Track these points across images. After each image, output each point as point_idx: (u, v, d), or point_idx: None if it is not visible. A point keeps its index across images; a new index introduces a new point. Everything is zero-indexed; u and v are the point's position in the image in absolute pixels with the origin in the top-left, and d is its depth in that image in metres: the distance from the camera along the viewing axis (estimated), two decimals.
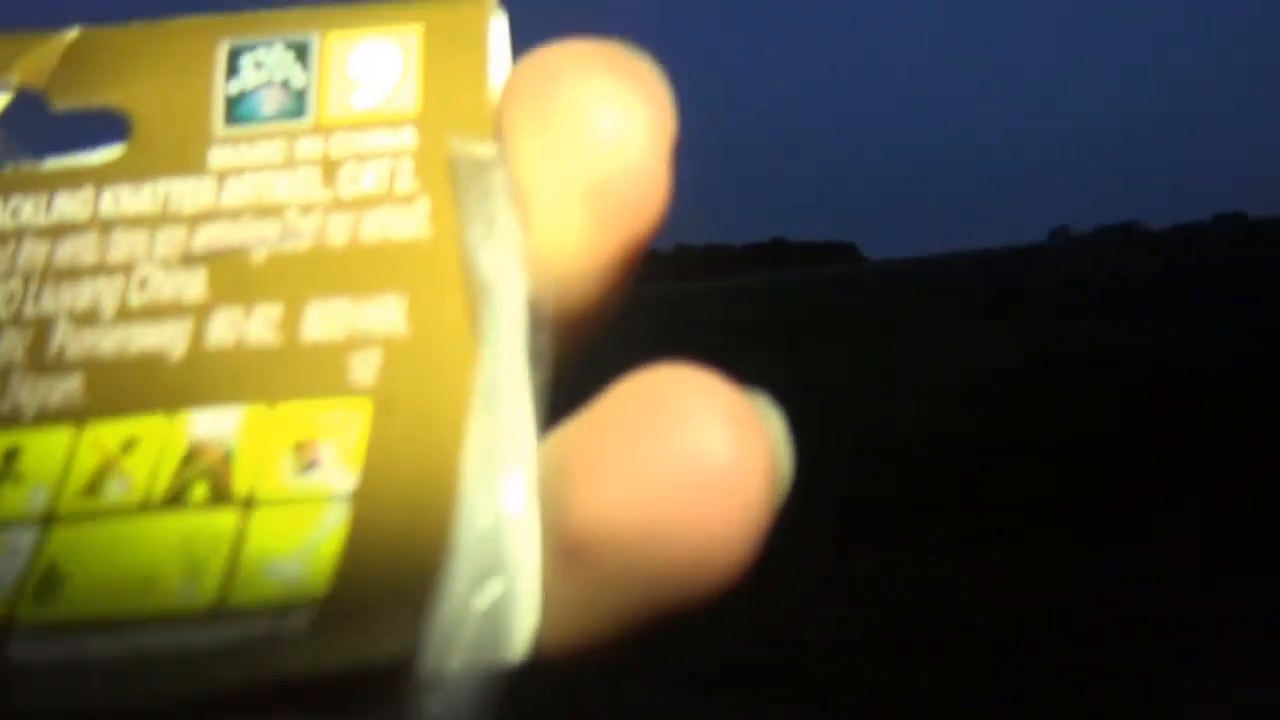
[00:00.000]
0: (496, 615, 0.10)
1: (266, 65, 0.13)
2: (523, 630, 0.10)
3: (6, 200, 0.13)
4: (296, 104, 0.13)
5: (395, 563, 0.10)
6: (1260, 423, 2.93)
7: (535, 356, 0.11)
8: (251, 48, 0.13)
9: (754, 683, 1.66)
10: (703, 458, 0.10)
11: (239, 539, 0.10)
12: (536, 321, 0.11)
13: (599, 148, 0.11)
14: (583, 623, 0.11)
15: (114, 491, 0.11)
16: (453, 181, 0.12)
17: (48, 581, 0.10)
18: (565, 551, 0.10)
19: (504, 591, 0.10)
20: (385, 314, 0.11)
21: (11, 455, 0.11)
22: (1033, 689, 1.61)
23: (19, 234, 0.12)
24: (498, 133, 0.12)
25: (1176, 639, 1.70)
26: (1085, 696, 1.58)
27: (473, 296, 0.11)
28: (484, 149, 0.12)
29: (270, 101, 0.13)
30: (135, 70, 0.13)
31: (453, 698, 0.09)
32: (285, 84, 0.13)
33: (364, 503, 0.10)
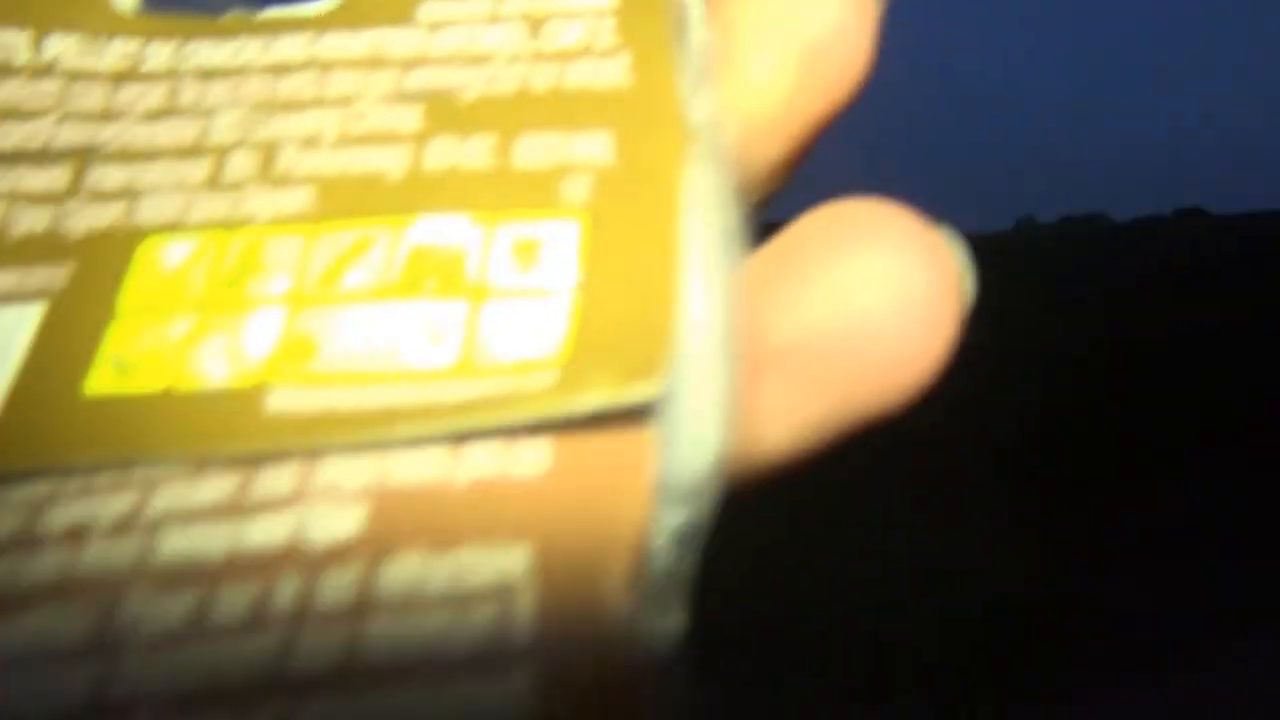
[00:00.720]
0: (707, 377, 0.11)
1: None
2: (726, 390, 0.11)
3: (230, 41, 0.14)
4: None
5: (626, 333, 0.11)
6: (1218, 413, 2.99)
7: (736, 192, 0.12)
8: None
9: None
10: (904, 273, 0.12)
11: (474, 320, 0.12)
12: (737, 165, 0.13)
13: (816, 15, 0.13)
14: (779, 431, 0.12)
15: (352, 279, 0.12)
16: (665, 35, 0.13)
17: (300, 348, 0.12)
18: (768, 359, 0.12)
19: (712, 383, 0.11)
20: (593, 147, 0.13)
21: (253, 249, 0.12)
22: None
23: (242, 70, 0.14)
24: None
25: None
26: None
27: (678, 137, 0.13)
28: (696, 3, 0.13)
29: None
30: None
31: (685, 432, 0.11)
32: None
33: (587, 294, 0.12)
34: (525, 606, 0.09)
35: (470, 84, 0.13)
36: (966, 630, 1.78)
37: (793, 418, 0.12)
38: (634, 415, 0.11)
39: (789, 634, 1.70)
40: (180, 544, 0.10)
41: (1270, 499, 2.32)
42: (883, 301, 0.12)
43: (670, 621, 0.10)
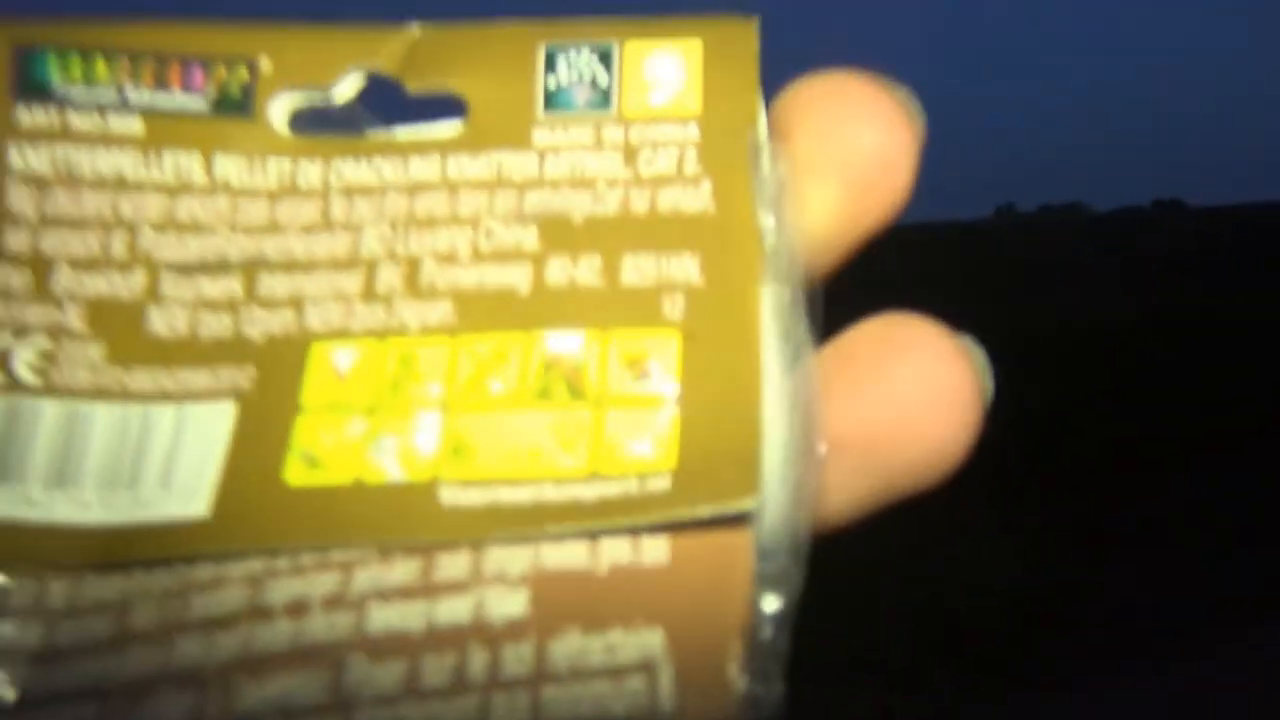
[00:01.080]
0: (791, 476, 0.14)
1: (576, 65, 0.16)
2: (807, 484, 0.14)
3: (370, 161, 0.16)
4: (602, 99, 0.16)
5: (726, 443, 0.14)
6: (1197, 401, 3.05)
7: (805, 297, 0.15)
8: (564, 50, 0.16)
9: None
10: (937, 382, 0.14)
11: (598, 425, 0.14)
12: (804, 274, 0.15)
13: (865, 151, 0.15)
14: (837, 507, 0.15)
15: (494, 388, 0.15)
16: (742, 165, 0.16)
17: (459, 450, 0.14)
18: (831, 449, 0.14)
19: (791, 471, 0.14)
20: (684, 268, 0.15)
21: (408, 357, 0.15)
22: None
23: (383, 189, 0.16)
24: (774, 130, 0.16)
25: None
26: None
27: (755, 258, 0.15)
28: (765, 141, 0.16)
29: (581, 95, 0.16)
30: (471, 63, 0.16)
31: (777, 530, 0.13)
32: (593, 82, 0.16)
33: (689, 403, 0.14)
34: (665, 679, 0.12)
35: (578, 206, 0.16)
36: (965, 618, 1.82)
37: (849, 496, 0.15)
38: (735, 519, 0.13)
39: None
40: (386, 618, 0.13)
41: (1257, 486, 2.38)
42: (921, 406, 0.14)
43: (775, 690, 0.12)
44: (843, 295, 0.16)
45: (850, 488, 0.14)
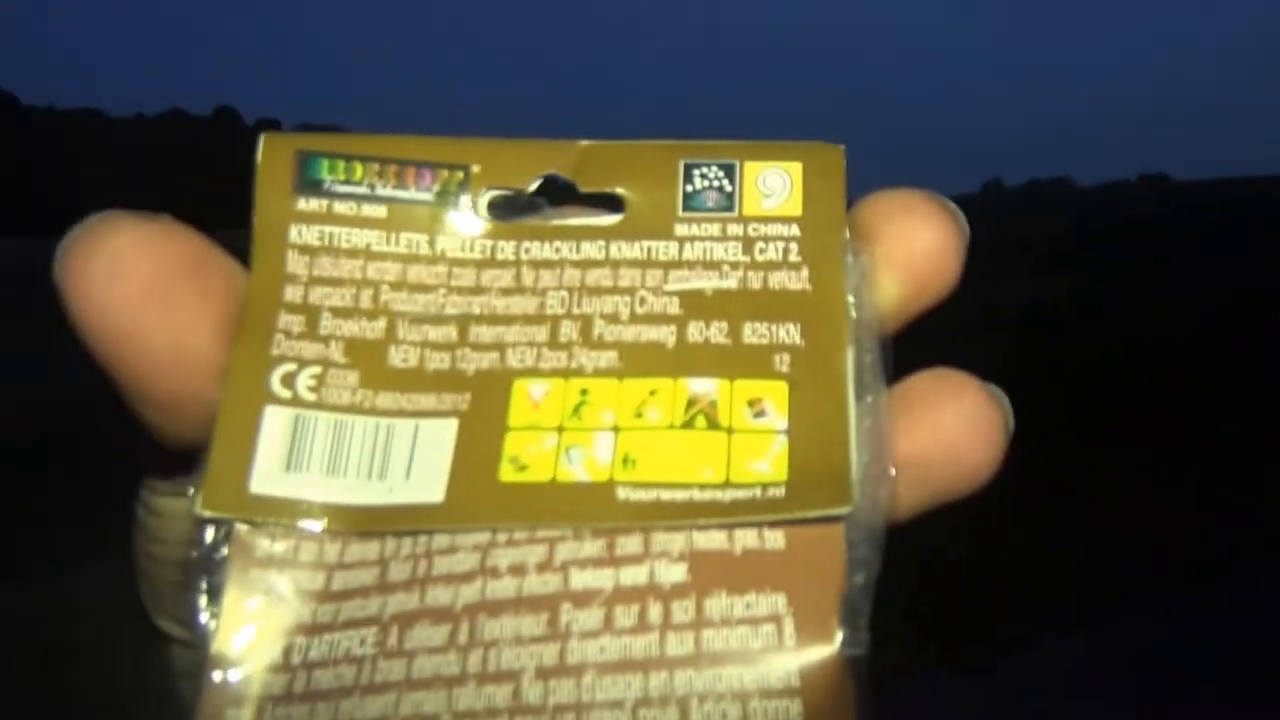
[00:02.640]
0: (870, 489, 0.20)
1: (708, 177, 0.22)
2: (882, 494, 0.20)
3: (551, 242, 0.22)
4: (727, 202, 0.22)
5: (823, 464, 0.19)
6: (1183, 372, 3.12)
7: (879, 355, 0.21)
8: (698, 165, 0.22)
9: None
10: (973, 422, 0.20)
11: (728, 449, 0.20)
12: (881, 341, 0.21)
13: (924, 254, 0.21)
14: (899, 501, 0.20)
15: (651, 417, 0.20)
16: (833, 257, 0.21)
17: (627, 461, 0.20)
18: (897, 468, 0.20)
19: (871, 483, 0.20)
20: (789, 333, 0.21)
21: (585, 391, 0.21)
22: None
23: (561, 264, 0.22)
24: (856, 230, 0.21)
25: None
26: None
27: (842, 328, 0.21)
28: (850, 240, 0.21)
29: (711, 199, 0.22)
30: (628, 171, 0.22)
31: (861, 527, 0.19)
32: (720, 189, 0.22)
33: (795, 435, 0.20)
34: (789, 627, 0.18)
35: (708, 282, 0.21)
36: (928, 580, 1.90)
37: (909, 503, 0.20)
38: (832, 519, 0.19)
39: None
40: (584, 579, 0.19)
41: (1233, 454, 2.45)
42: (963, 439, 0.20)
43: (862, 636, 0.18)
44: None
45: (909, 497, 0.20)
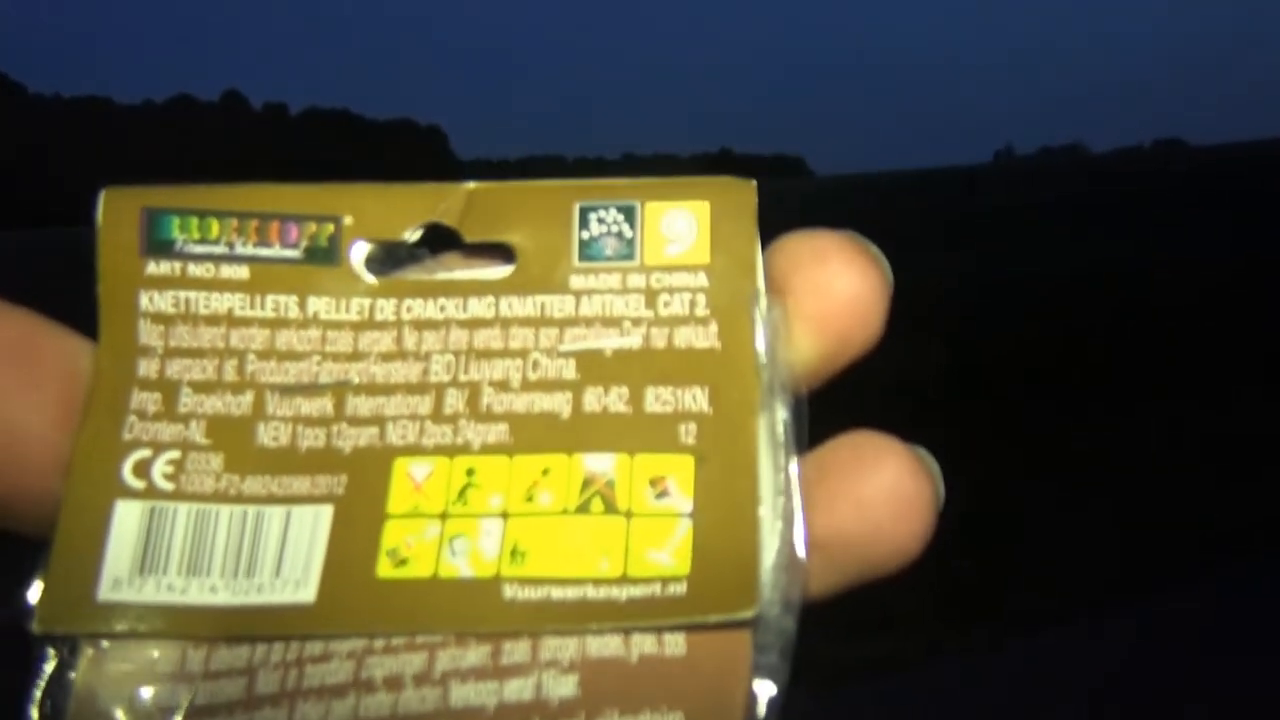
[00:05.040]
0: (781, 584, 0.17)
1: (606, 221, 0.20)
2: (794, 591, 0.18)
3: (435, 300, 0.20)
4: (628, 249, 0.19)
5: (729, 555, 0.17)
6: (1194, 336, 3.09)
7: (795, 417, 0.18)
8: (595, 208, 0.20)
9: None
10: (898, 494, 0.18)
11: (627, 536, 0.18)
12: (796, 402, 0.18)
13: (843, 303, 0.18)
14: (814, 584, 0.18)
15: (543, 501, 0.18)
16: (744, 309, 0.19)
17: (516, 553, 0.18)
18: (811, 547, 0.18)
19: (783, 571, 0.18)
20: (695, 398, 0.19)
21: (472, 471, 0.18)
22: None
23: (447, 324, 0.19)
24: (769, 277, 0.19)
25: None
26: None
27: (753, 389, 0.18)
28: (763, 291, 0.19)
29: (609, 246, 0.19)
30: (518, 217, 0.20)
31: (770, 630, 0.17)
32: (619, 235, 0.19)
33: (700, 518, 0.18)
34: None
35: (608, 341, 0.19)
36: (936, 563, 1.88)
37: (822, 585, 0.18)
38: (737, 623, 0.17)
39: None
40: (464, 695, 0.17)
41: (1250, 422, 2.42)
42: (886, 514, 0.18)
43: None
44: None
45: (824, 579, 0.18)
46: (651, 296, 0.19)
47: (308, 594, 0.18)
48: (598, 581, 0.17)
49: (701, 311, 0.19)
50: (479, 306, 0.19)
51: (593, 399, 0.19)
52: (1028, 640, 1.74)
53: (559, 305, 0.19)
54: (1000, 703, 1.57)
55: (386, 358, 0.19)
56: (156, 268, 0.19)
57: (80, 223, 0.19)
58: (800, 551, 0.17)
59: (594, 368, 0.19)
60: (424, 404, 0.19)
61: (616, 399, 0.19)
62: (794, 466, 0.18)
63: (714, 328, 0.19)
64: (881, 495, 0.18)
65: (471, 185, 0.20)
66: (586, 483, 0.18)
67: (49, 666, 0.17)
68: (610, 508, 0.18)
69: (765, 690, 0.17)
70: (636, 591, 0.17)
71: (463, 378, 0.19)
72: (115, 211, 0.19)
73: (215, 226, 0.19)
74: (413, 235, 0.20)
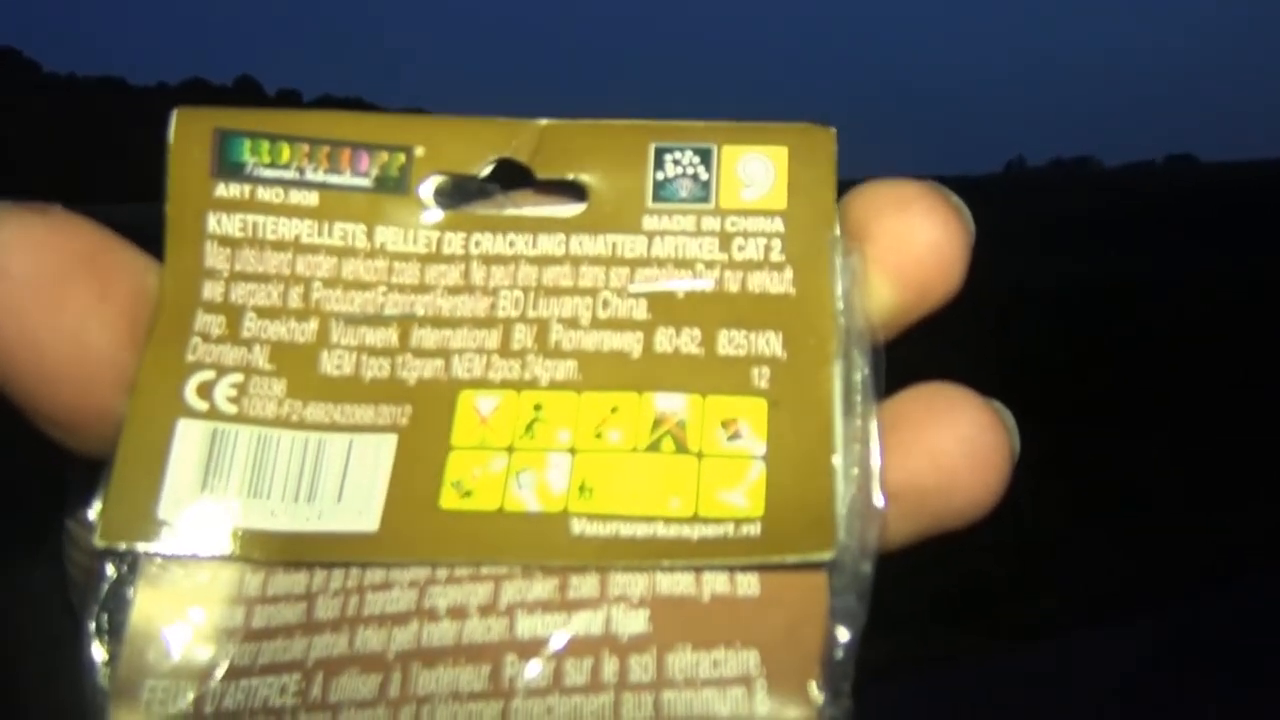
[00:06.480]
0: (857, 530, 0.17)
1: (681, 163, 0.19)
2: (870, 537, 0.17)
3: (504, 235, 0.19)
4: (703, 192, 0.19)
5: (804, 498, 0.17)
6: (1211, 350, 3.09)
7: (871, 368, 0.18)
8: (671, 149, 0.19)
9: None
10: (974, 445, 0.17)
11: (698, 476, 0.17)
12: (872, 353, 0.18)
13: (924, 253, 0.18)
14: (890, 542, 0.18)
15: (612, 438, 0.18)
16: (821, 256, 0.19)
17: (584, 489, 0.17)
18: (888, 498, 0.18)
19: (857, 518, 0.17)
20: (769, 343, 0.18)
21: (539, 406, 0.18)
22: None
23: (516, 259, 0.19)
24: (847, 225, 0.19)
25: None
26: None
27: (829, 337, 0.18)
28: (840, 238, 0.19)
29: (684, 189, 0.19)
30: (591, 155, 0.19)
31: (846, 574, 0.17)
32: (695, 177, 0.19)
33: (774, 461, 0.17)
34: (760, 690, 0.16)
35: (680, 283, 0.19)
36: (959, 571, 1.88)
37: (898, 536, 0.18)
38: (815, 564, 0.17)
39: None
40: (531, 626, 0.16)
41: (1260, 439, 2.42)
42: (961, 465, 0.18)
43: (845, 702, 0.16)
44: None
45: (901, 529, 0.18)
46: (726, 240, 0.19)
47: (369, 522, 0.17)
48: (668, 520, 0.17)
49: (777, 257, 0.19)
50: (549, 243, 0.19)
51: (664, 339, 0.18)
52: (1040, 646, 1.73)
53: (631, 245, 0.19)
54: (1012, 707, 1.57)
55: (453, 291, 0.19)
56: (226, 190, 0.19)
57: (93, 202, 0.19)
58: (877, 500, 0.17)
59: (665, 309, 0.19)
60: (491, 338, 0.19)
61: (688, 340, 0.18)
62: (871, 413, 0.18)
63: (789, 274, 0.19)
64: (956, 446, 0.18)
65: (545, 122, 0.20)
66: (657, 422, 0.18)
67: (108, 581, 0.17)
68: (681, 447, 0.18)
69: (842, 633, 0.16)
70: (709, 531, 0.17)
71: (531, 314, 0.19)
72: (187, 132, 0.19)
73: (286, 151, 0.19)
74: (484, 170, 0.19)
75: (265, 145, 0.19)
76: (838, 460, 0.17)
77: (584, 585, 0.17)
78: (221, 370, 0.18)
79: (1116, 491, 2.27)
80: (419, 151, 0.19)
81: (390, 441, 0.18)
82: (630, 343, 0.18)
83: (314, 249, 0.19)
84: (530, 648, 0.16)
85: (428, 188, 0.19)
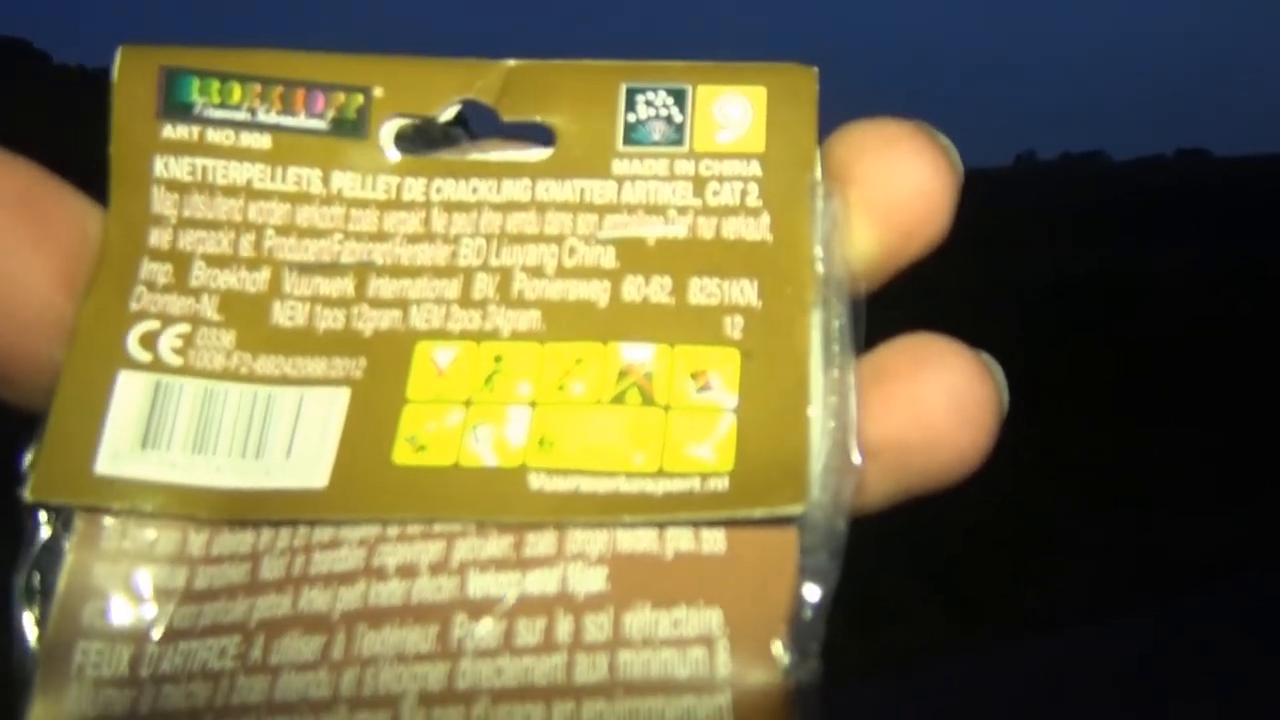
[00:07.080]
0: (832, 485, 0.16)
1: (654, 104, 0.18)
2: (845, 492, 0.16)
3: (467, 181, 0.18)
4: (676, 134, 0.18)
5: (776, 452, 0.16)
6: (1218, 346, 3.07)
7: (849, 319, 0.17)
8: (643, 90, 0.18)
9: None
10: (960, 398, 0.16)
11: (665, 430, 0.16)
12: (852, 302, 0.17)
13: (909, 196, 0.17)
14: (869, 501, 0.17)
15: (575, 390, 0.17)
16: (799, 201, 0.18)
17: (544, 442, 0.16)
18: (866, 453, 0.17)
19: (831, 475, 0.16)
20: (744, 291, 0.17)
21: (500, 358, 0.17)
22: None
23: (479, 206, 0.18)
24: (828, 168, 0.18)
25: None
26: None
27: (807, 286, 0.17)
28: (821, 181, 0.18)
29: (657, 131, 0.18)
30: (559, 97, 0.18)
31: (819, 531, 0.16)
32: (668, 119, 0.18)
33: (745, 414, 0.16)
34: (722, 651, 0.15)
35: (651, 229, 0.18)
36: (955, 561, 1.86)
37: (879, 494, 0.17)
38: (783, 520, 0.16)
39: None
40: (484, 584, 0.15)
41: (1264, 435, 2.40)
42: (947, 419, 0.17)
43: (812, 662, 0.15)
44: None
45: (880, 488, 0.17)
46: (700, 184, 0.18)
47: (319, 479, 0.17)
48: (631, 475, 0.16)
49: (753, 202, 0.18)
50: (514, 189, 0.18)
51: (632, 288, 0.17)
52: (1039, 641, 1.72)
53: (600, 190, 0.18)
54: (1011, 700, 1.56)
55: (413, 239, 0.18)
56: (173, 131, 0.18)
57: (102, 194, 0.18)
58: (854, 455, 0.16)
59: (635, 256, 0.18)
60: (451, 288, 0.18)
61: (658, 289, 0.17)
62: (849, 365, 0.17)
63: (766, 219, 0.18)
64: (941, 400, 0.17)
65: (512, 62, 0.19)
66: (623, 373, 0.17)
67: (40, 538, 0.16)
68: (647, 399, 0.17)
69: (812, 592, 0.15)
70: (674, 486, 0.16)
71: (494, 262, 0.18)
72: (132, 70, 0.18)
73: (238, 91, 0.18)
74: (447, 113, 0.18)
75: (215, 84, 0.18)
76: (813, 412, 0.16)
77: (541, 543, 0.16)
78: (167, 320, 0.17)
79: (1117, 487, 2.26)
80: (378, 92, 0.18)
81: (343, 395, 0.17)
82: (597, 292, 0.17)
83: (266, 194, 0.18)
84: (481, 607, 0.15)
85: (388, 131, 0.18)
